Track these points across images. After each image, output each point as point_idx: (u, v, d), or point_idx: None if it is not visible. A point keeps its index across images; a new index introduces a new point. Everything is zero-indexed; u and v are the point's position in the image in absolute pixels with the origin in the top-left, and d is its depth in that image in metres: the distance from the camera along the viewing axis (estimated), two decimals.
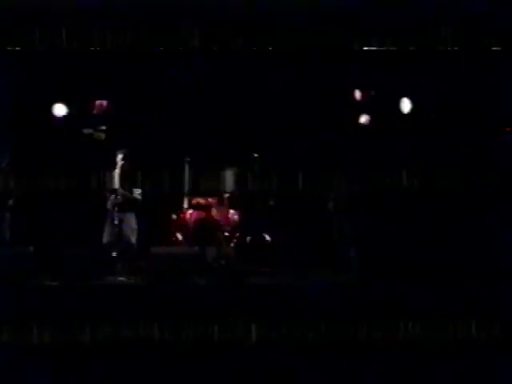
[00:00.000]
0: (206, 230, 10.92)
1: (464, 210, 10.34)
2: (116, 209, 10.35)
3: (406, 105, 11.23)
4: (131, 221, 10.41)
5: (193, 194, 11.19)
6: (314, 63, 10.54)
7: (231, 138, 11.43)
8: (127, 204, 10.37)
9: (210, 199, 11.18)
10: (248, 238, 10.91)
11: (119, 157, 10.48)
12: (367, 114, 11.38)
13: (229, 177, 11.12)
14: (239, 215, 11.06)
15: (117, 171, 10.47)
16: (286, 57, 10.20)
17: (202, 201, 11.19)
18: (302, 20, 9.66)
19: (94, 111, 11.37)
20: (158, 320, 8.17)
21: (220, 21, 9.73)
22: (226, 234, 10.91)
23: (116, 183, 10.43)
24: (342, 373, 7.69)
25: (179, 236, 10.95)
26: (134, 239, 10.41)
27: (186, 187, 11.19)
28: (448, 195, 10.27)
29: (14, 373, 7.51)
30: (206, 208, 11.16)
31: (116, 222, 10.34)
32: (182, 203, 11.13)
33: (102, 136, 11.28)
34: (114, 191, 10.42)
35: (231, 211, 11.08)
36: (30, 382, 7.50)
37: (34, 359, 7.74)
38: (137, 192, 10.48)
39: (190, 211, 11.14)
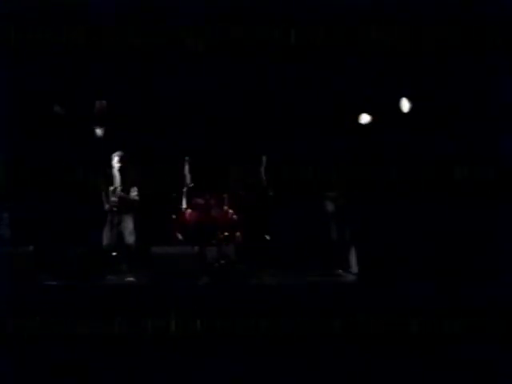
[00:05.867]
0: (205, 229, 10.91)
1: (465, 210, 10.34)
2: (114, 210, 10.37)
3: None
4: (129, 223, 10.43)
5: (193, 193, 11.18)
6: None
7: (232, 136, 11.44)
8: (125, 206, 10.39)
9: (209, 199, 11.16)
10: (248, 238, 10.91)
11: (114, 158, 10.50)
12: (367, 112, 11.40)
13: (229, 175, 11.12)
14: (239, 215, 11.05)
15: (116, 171, 10.49)
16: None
17: (201, 201, 11.18)
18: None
19: (94, 109, 11.37)
20: (157, 320, 8.17)
21: (218, 19, 9.75)
22: (226, 233, 10.89)
23: (114, 183, 10.46)
24: (340, 371, 7.71)
25: (179, 236, 10.95)
26: (134, 239, 10.43)
27: (186, 186, 11.17)
28: (449, 192, 10.29)
29: None
30: (206, 208, 11.14)
31: (116, 222, 10.37)
32: (181, 203, 11.11)
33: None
34: (112, 192, 10.44)
35: (231, 211, 11.06)
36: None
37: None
38: (132, 193, 10.51)
39: (190, 211, 11.13)
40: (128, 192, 10.53)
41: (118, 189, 10.48)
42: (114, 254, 10.31)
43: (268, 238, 11.06)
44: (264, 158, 11.19)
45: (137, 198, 10.55)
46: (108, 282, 9.75)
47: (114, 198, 10.42)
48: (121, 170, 10.52)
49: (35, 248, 9.85)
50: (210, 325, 8.16)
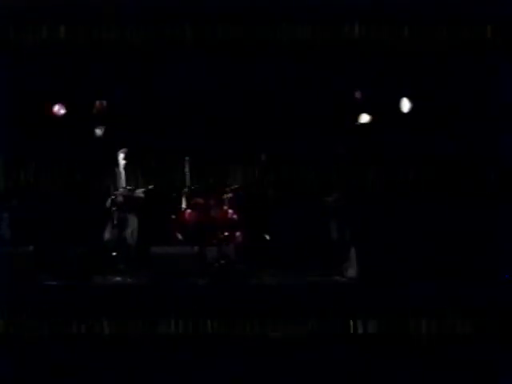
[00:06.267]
0: (205, 229, 10.91)
1: (465, 210, 10.34)
2: (117, 209, 10.39)
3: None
4: (132, 221, 10.44)
5: (193, 193, 11.18)
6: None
7: (232, 136, 11.45)
8: (128, 204, 10.40)
9: (209, 199, 11.17)
10: (248, 238, 10.91)
11: (121, 156, 10.52)
12: (367, 112, 11.40)
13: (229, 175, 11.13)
14: (239, 215, 11.05)
15: (119, 170, 10.51)
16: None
17: (201, 200, 11.18)
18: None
19: (95, 110, 11.36)
20: (157, 320, 8.17)
21: (218, 19, 9.75)
22: (226, 233, 10.89)
23: (118, 182, 10.48)
24: (339, 369, 7.71)
25: (179, 236, 10.95)
26: (134, 239, 10.43)
27: (187, 186, 11.17)
28: (450, 193, 10.29)
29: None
30: (206, 208, 11.15)
31: (116, 222, 10.39)
32: (181, 203, 11.11)
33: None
34: (116, 191, 10.46)
35: (231, 211, 11.07)
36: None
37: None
38: (139, 191, 10.53)
39: (189, 211, 11.13)
40: (133, 190, 10.55)
41: (121, 188, 10.50)
42: (114, 253, 10.32)
43: (268, 237, 11.06)
44: (264, 158, 11.20)
45: (142, 195, 10.56)
46: (108, 282, 9.75)
47: (119, 196, 10.45)
48: (126, 167, 10.54)
49: (35, 248, 9.86)
50: (210, 325, 8.16)
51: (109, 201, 10.42)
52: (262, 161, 11.19)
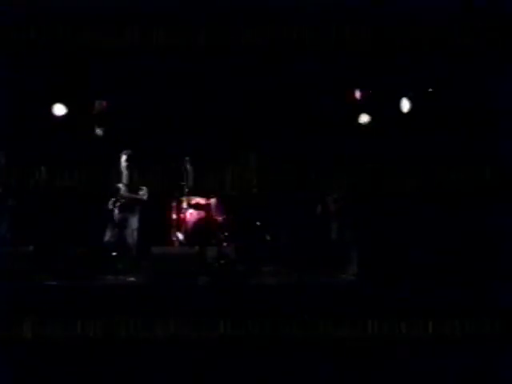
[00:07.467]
0: (205, 230, 10.92)
1: (464, 210, 10.35)
2: (117, 209, 10.40)
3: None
4: (132, 221, 10.44)
5: (193, 193, 11.19)
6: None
7: (231, 136, 11.46)
8: (129, 204, 10.41)
9: (209, 199, 11.19)
10: (248, 238, 10.92)
11: (122, 157, 10.53)
12: (366, 113, 11.41)
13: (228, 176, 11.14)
14: (238, 215, 11.06)
15: (119, 170, 10.52)
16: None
17: (201, 201, 11.20)
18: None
19: (95, 110, 11.38)
20: (157, 320, 8.18)
21: (216, 19, 9.75)
22: (226, 233, 10.91)
23: (118, 183, 10.49)
24: (340, 371, 7.72)
25: (179, 236, 10.96)
26: (134, 239, 10.44)
27: (187, 187, 11.18)
28: (449, 195, 10.29)
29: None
30: (206, 208, 11.15)
31: (116, 222, 10.40)
32: (181, 203, 11.12)
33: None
34: (116, 191, 10.47)
35: (230, 211, 11.08)
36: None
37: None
38: (140, 192, 10.54)
39: (190, 211, 11.14)
40: (136, 191, 10.56)
41: (122, 188, 10.51)
42: (114, 253, 10.33)
43: (268, 238, 11.07)
44: (264, 158, 11.21)
45: (145, 197, 10.57)
46: (108, 282, 9.75)
47: (121, 197, 10.46)
48: (129, 168, 10.55)
49: (35, 248, 9.86)
50: (210, 325, 8.17)
51: (110, 202, 10.44)
52: (263, 161, 11.20)
